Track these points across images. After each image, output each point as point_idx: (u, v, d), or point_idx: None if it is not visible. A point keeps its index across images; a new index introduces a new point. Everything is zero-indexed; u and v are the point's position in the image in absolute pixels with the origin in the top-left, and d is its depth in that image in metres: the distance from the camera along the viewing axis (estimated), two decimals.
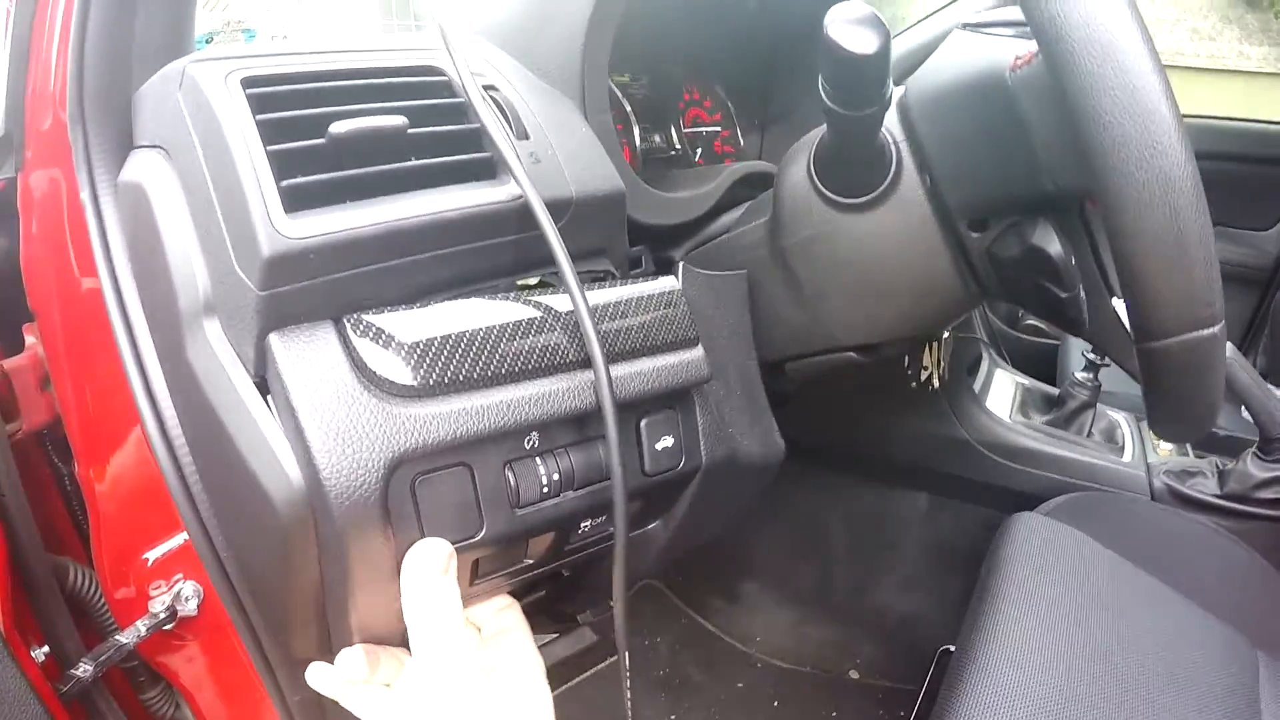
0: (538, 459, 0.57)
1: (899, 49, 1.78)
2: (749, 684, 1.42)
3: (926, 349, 1.16)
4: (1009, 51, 0.62)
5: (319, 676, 0.56)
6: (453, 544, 0.53)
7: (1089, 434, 1.33)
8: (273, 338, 0.50)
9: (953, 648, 0.88)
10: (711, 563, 1.56)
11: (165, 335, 0.59)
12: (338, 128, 0.53)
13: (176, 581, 0.67)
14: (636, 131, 0.98)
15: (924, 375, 1.18)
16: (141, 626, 0.67)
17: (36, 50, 0.68)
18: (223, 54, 0.56)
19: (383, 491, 0.49)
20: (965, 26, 0.68)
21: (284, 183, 0.51)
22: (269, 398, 0.51)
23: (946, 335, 1.18)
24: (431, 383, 0.51)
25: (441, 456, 0.52)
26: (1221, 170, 2.23)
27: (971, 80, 0.64)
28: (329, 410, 0.49)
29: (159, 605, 0.67)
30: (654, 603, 1.55)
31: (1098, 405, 1.35)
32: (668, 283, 0.66)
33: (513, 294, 0.59)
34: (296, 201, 0.51)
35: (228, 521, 0.61)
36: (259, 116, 0.52)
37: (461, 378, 0.52)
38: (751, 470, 0.76)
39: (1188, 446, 1.32)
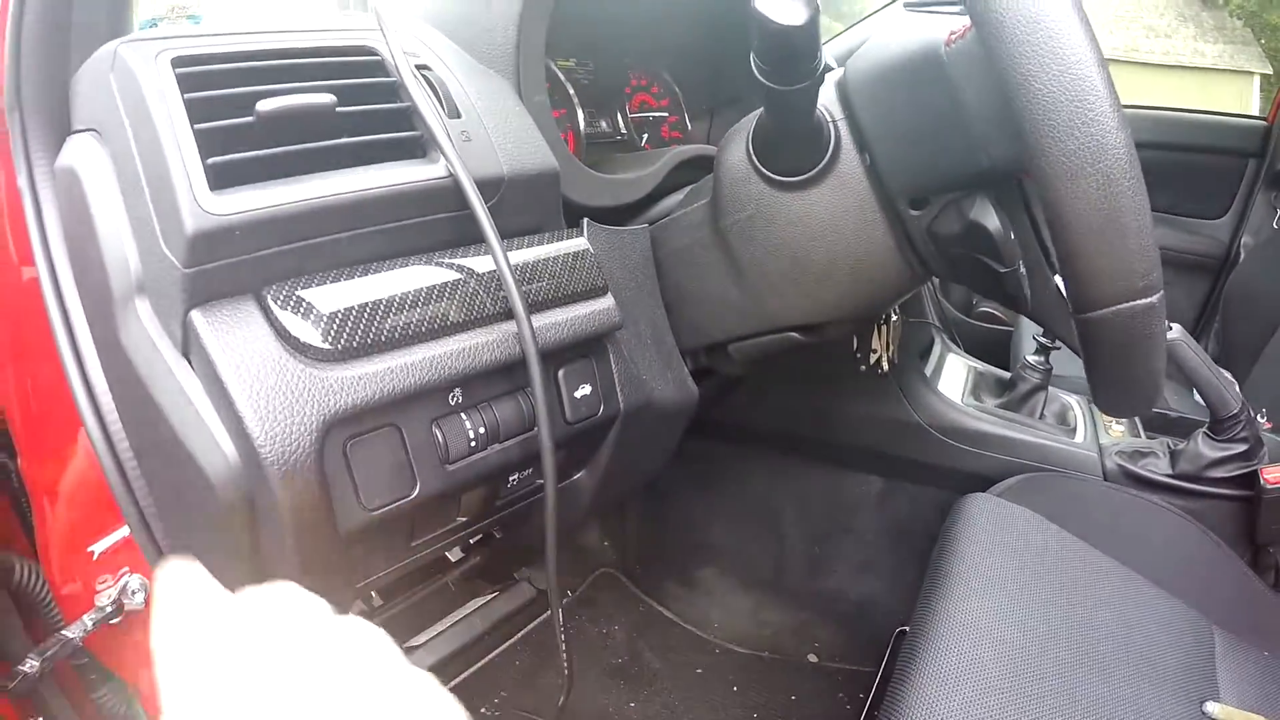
0: (463, 414, 0.59)
1: (852, 41, 1.78)
2: (707, 670, 1.42)
3: (875, 332, 1.17)
4: (944, 28, 0.62)
5: None
6: (388, 503, 0.54)
7: (1041, 416, 1.34)
8: (194, 314, 0.50)
9: (909, 628, 0.88)
10: (667, 549, 1.56)
11: (101, 321, 0.58)
12: (264, 105, 0.53)
13: (123, 574, 0.67)
14: (581, 116, 0.98)
15: (873, 358, 1.18)
16: (87, 621, 0.67)
17: None
18: (156, 34, 0.56)
19: (318, 455, 0.50)
20: (906, 6, 0.69)
21: (209, 160, 0.51)
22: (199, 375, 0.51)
23: (896, 319, 1.18)
24: (355, 344, 0.52)
25: (371, 418, 0.53)
26: (1176, 160, 2.27)
27: (908, 57, 0.65)
28: (257, 380, 0.49)
29: (105, 599, 0.67)
30: (610, 590, 1.55)
31: (1049, 388, 1.35)
32: (576, 240, 0.70)
33: (426, 256, 0.60)
34: (222, 179, 0.52)
35: (168, 510, 0.61)
36: (187, 95, 0.53)
37: (384, 338, 0.54)
38: (667, 414, 0.81)
39: (1139, 428, 1.34)
